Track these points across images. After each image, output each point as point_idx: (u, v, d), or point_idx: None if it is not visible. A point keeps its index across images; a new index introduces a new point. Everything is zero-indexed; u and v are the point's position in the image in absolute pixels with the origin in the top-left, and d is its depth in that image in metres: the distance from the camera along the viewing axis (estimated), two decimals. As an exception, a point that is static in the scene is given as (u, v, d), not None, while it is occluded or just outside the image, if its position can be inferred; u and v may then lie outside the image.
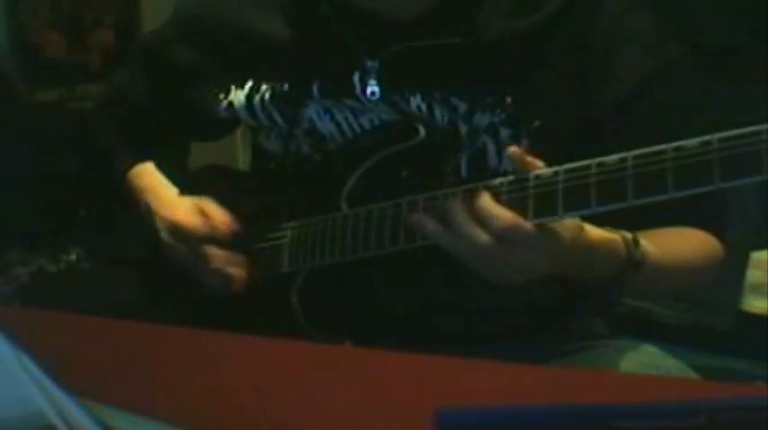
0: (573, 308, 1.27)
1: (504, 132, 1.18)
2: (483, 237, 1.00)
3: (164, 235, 1.29)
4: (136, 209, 1.37)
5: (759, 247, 2.32)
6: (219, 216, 1.26)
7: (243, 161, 1.71)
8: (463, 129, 1.19)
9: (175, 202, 1.32)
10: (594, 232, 1.05)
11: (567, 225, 1.01)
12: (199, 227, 1.26)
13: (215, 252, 1.25)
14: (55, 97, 2.88)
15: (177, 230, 1.27)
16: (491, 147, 1.19)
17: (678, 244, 1.18)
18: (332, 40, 1.24)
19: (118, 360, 1.00)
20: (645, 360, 1.21)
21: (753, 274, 2.31)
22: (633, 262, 1.08)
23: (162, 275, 1.34)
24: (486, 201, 1.00)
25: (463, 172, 1.20)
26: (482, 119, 1.19)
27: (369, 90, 1.22)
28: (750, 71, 2.27)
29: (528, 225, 0.99)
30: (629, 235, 1.08)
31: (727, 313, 2.30)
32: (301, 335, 1.19)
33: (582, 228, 1.03)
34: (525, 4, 1.19)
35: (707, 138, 0.90)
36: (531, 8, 1.19)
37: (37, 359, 0.67)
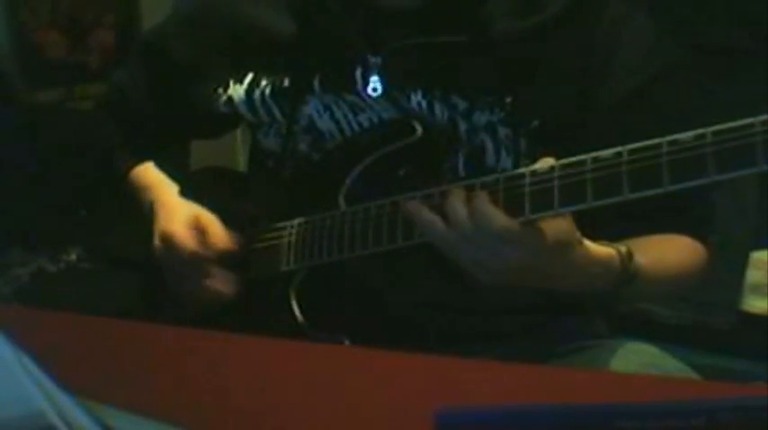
0: (571, 308, 1.27)
1: (503, 131, 1.19)
2: (477, 233, 1.00)
3: (156, 241, 1.28)
4: (138, 208, 1.37)
5: (759, 247, 2.32)
6: (215, 232, 1.25)
7: (243, 161, 1.70)
8: (462, 126, 1.20)
9: (175, 209, 1.31)
10: (592, 247, 1.05)
11: (564, 231, 1.01)
12: (190, 243, 1.24)
13: (202, 268, 1.25)
14: (55, 97, 2.87)
15: (169, 240, 1.26)
16: (489, 145, 1.20)
17: (667, 253, 1.18)
18: (336, 34, 1.25)
19: (118, 360, 1.00)
20: (645, 360, 1.21)
21: (753, 274, 2.31)
22: (627, 277, 1.08)
23: (162, 275, 1.34)
24: (482, 201, 1.00)
25: (461, 169, 1.21)
26: (481, 117, 1.19)
27: (370, 86, 1.22)
28: (750, 71, 2.27)
29: (518, 225, 0.99)
30: (623, 249, 1.08)
31: (727, 313, 2.30)
32: (300, 335, 1.19)
33: (581, 242, 1.03)
34: (529, 5, 1.20)
35: (701, 131, 0.91)
36: (535, 9, 1.19)
37: (37, 359, 0.67)
